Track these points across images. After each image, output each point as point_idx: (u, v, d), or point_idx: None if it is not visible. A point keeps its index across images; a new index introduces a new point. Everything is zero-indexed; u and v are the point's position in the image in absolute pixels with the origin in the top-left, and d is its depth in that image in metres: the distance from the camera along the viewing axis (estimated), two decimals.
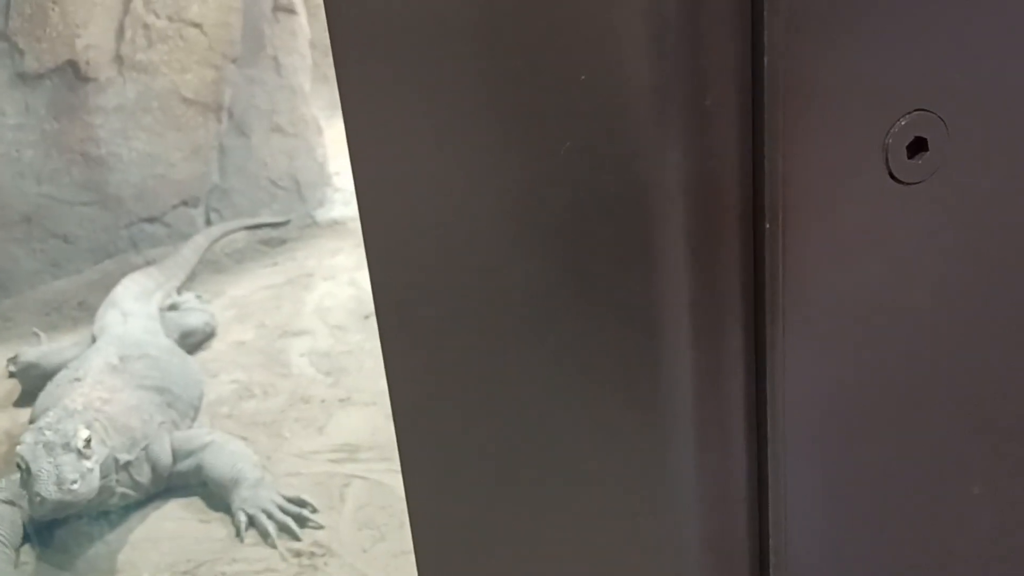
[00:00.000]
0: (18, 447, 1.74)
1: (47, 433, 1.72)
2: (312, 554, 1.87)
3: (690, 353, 0.46)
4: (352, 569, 1.82)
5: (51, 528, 1.90)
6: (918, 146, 0.44)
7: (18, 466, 1.73)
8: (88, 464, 1.71)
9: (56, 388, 2.15)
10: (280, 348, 2.70)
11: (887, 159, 0.44)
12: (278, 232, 3.49)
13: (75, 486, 1.64)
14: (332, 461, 2.15)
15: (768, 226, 0.44)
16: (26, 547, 1.89)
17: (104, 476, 1.80)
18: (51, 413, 1.85)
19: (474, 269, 0.59)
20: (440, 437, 0.72)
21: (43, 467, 1.65)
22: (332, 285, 3.07)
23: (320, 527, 1.93)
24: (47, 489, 1.62)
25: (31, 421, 2.14)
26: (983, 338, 0.48)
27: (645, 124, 0.44)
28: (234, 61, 3.41)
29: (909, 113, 0.44)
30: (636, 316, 0.47)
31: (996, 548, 0.53)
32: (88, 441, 1.74)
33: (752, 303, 0.46)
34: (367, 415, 2.31)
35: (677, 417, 0.47)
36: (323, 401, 2.40)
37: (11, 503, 1.85)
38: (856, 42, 0.42)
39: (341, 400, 2.39)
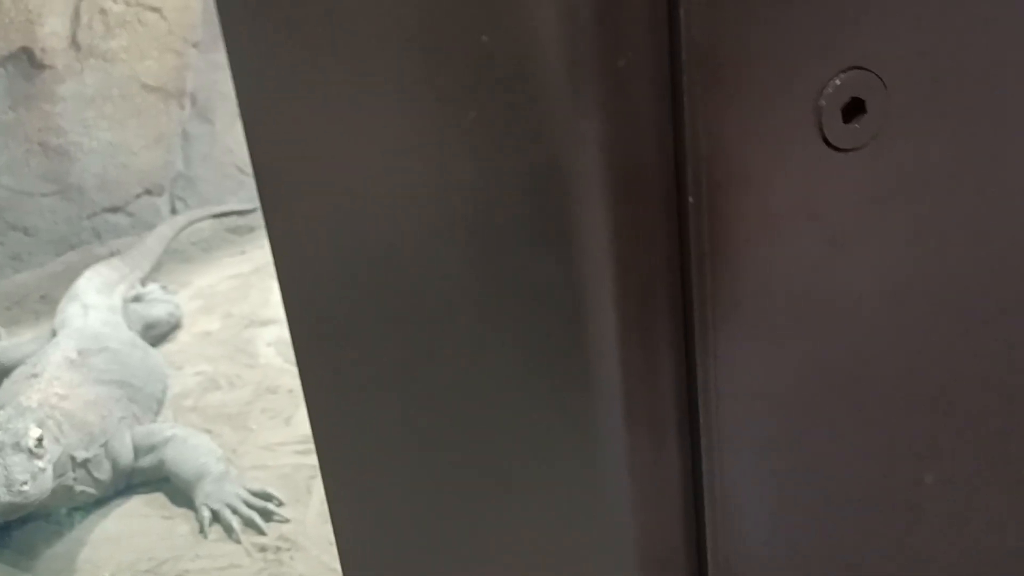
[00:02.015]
0: None
1: None
2: (278, 548, 1.83)
3: (615, 337, 0.42)
4: (318, 563, 1.78)
5: (9, 528, 1.85)
6: (855, 108, 0.40)
7: None
8: (40, 464, 1.65)
9: (12, 385, 2.09)
10: (247, 338, 2.65)
11: (821, 123, 0.40)
12: (245, 220, 3.42)
13: (25, 487, 1.59)
14: (299, 453, 2.11)
15: (691, 200, 0.40)
16: None
17: (60, 475, 1.75)
18: (2, 412, 1.79)
19: (383, 261, 0.55)
20: (359, 445, 0.68)
21: None
22: None
23: (286, 521, 1.88)
24: None
25: None
26: (929, 317, 0.44)
27: (554, 90, 0.39)
28: (195, 46, 3.34)
29: (844, 71, 0.39)
30: (557, 304, 0.43)
31: (949, 538, 0.50)
32: (40, 440, 1.68)
33: (680, 284, 0.42)
34: None
35: (606, 410, 0.43)
36: (290, 391, 2.35)
37: None
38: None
39: (302, 389, 2.34)
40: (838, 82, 0.39)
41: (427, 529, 0.63)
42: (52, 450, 1.72)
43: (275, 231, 0.65)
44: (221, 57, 3.48)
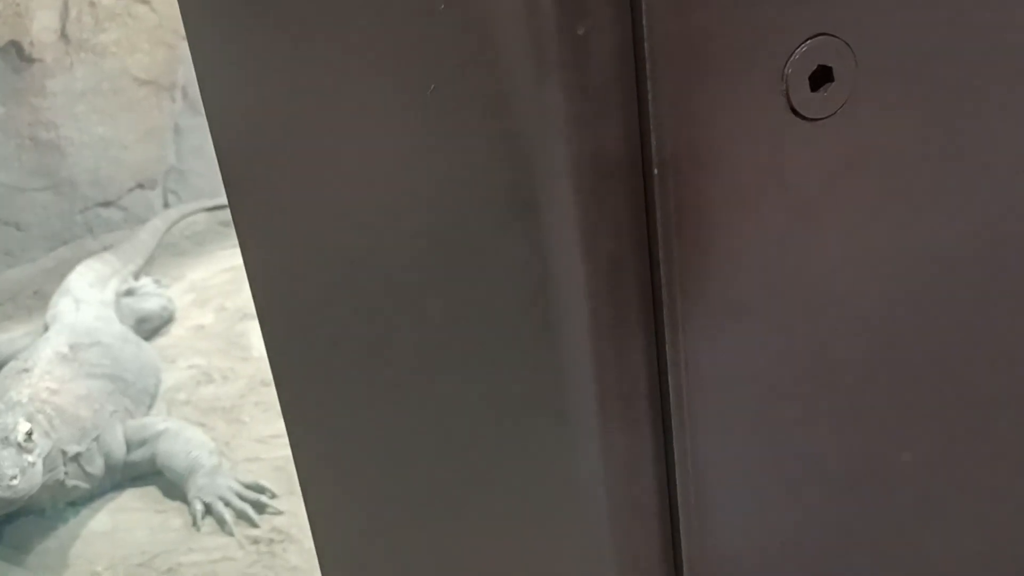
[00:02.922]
0: None
1: None
2: (271, 540, 1.82)
3: (584, 316, 0.41)
4: (312, 555, 1.77)
5: (1, 523, 1.84)
6: (822, 76, 0.39)
7: None
8: (29, 458, 1.64)
9: (3, 380, 2.08)
10: (240, 331, 2.64)
11: (787, 92, 0.39)
12: None
13: (14, 482, 1.58)
14: None
15: (656, 172, 0.39)
16: None
17: (51, 469, 1.75)
18: None
19: (348, 250, 0.54)
20: (332, 444, 0.67)
21: None
22: None
23: (279, 513, 1.88)
24: None
25: None
26: (901, 290, 0.43)
27: (514, 60, 0.38)
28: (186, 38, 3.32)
29: (811, 38, 0.38)
30: (524, 285, 0.42)
31: (928, 519, 0.49)
32: (30, 434, 1.68)
33: (648, 260, 0.41)
34: None
35: (576, 393, 0.43)
36: None
37: None
38: None
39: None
40: (805, 49, 0.38)
41: (401, 530, 0.62)
42: (42, 444, 1.72)
43: (241, 220, 0.64)
44: None
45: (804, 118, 0.39)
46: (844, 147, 0.40)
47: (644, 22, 0.37)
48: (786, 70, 0.38)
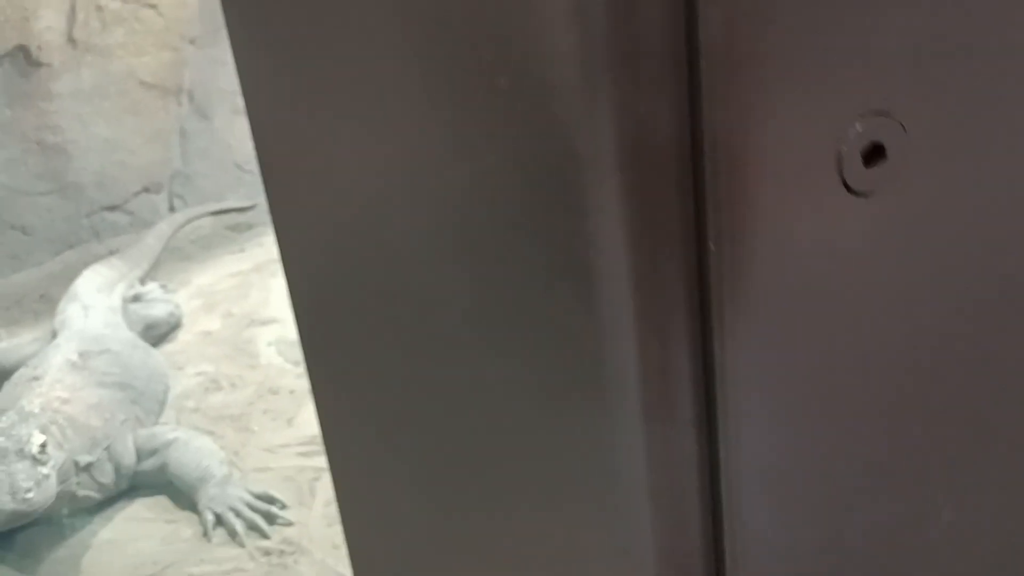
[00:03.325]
0: None
1: (0, 439, 1.66)
2: (282, 552, 1.83)
3: (630, 324, 0.40)
4: (323, 566, 1.78)
5: (12, 532, 1.85)
6: (875, 153, 0.39)
7: None
8: (44, 471, 1.65)
9: (14, 388, 2.08)
10: (247, 338, 2.64)
11: (841, 167, 0.39)
12: (244, 217, 3.41)
13: (30, 495, 1.59)
14: (301, 455, 2.11)
15: (712, 247, 0.39)
16: None
17: (63, 481, 1.75)
18: (5, 417, 1.79)
19: (390, 256, 0.54)
20: (369, 448, 0.67)
21: None
22: None
23: (290, 524, 1.88)
24: (0, 499, 1.56)
25: None
26: (939, 345, 0.44)
27: (567, 80, 0.38)
28: (193, 42, 3.32)
29: (865, 116, 0.39)
30: (567, 278, 0.42)
31: (967, 524, 0.49)
32: (44, 446, 1.68)
33: (695, 259, 0.40)
34: None
35: (620, 394, 0.42)
36: (292, 392, 2.35)
37: None
38: (804, 33, 0.38)
39: (310, 391, 2.34)
40: (859, 128, 0.39)
41: (438, 530, 0.63)
42: (56, 456, 1.72)
43: (283, 233, 0.64)
44: (219, 53, 3.47)
45: (855, 193, 0.40)
46: (892, 218, 0.41)
47: (703, 105, 0.37)
48: (841, 147, 0.39)
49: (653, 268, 0.40)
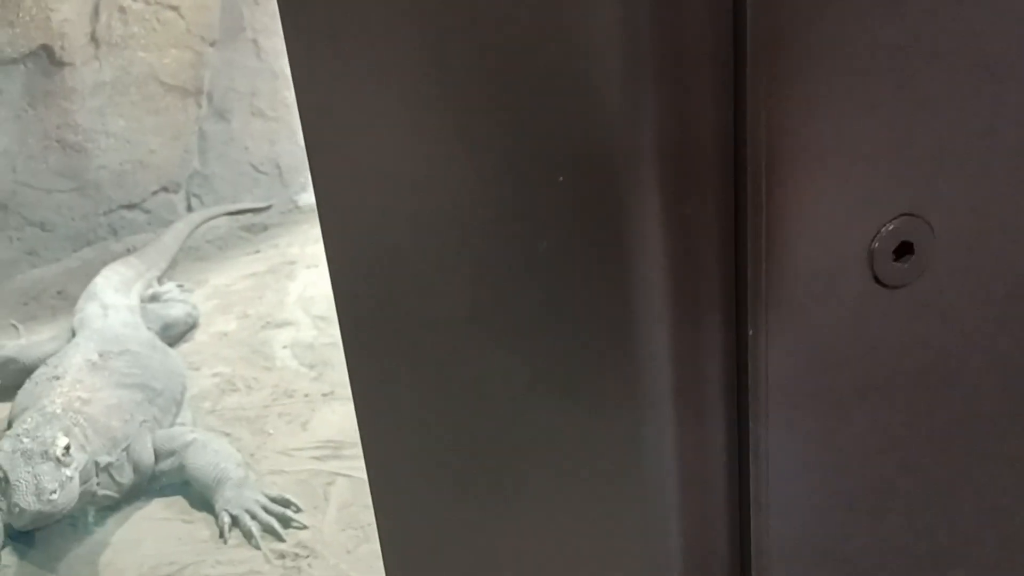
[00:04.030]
0: None
1: (25, 440, 1.70)
2: (296, 555, 1.86)
3: (667, 308, 0.42)
4: (336, 571, 1.82)
5: (32, 530, 1.89)
6: (904, 250, 0.43)
7: None
8: (67, 472, 1.69)
9: (35, 386, 2.12)
10: (263, 340, 2.68)
11: (872, 263, 0.43)
12: (260, 218, 3.45)
13: (54, 496, 1.62)
14: (316, 459, 2.14)
15: (751, 332, 0.43)
16: (7, 549, 1.88)
17: (84, 481, 1.79)
18: (29, 417, 1.82)
19: (433, 252, 0.57)
20: (404, 435, 0.70)
21: (21, 476, 1.63)
22: (315, 274, 3.04)
23: (304, 527, 1.92)
24: (26, 500, 1.60)
25: (10, 421, 2.12)
26: (962, 433, 0.47)
27: (609, 79, 0.41)
28: (213, 44, 3.36)
29: (896, 218, 0.42)
30: (603, 273, 0.44)
31: (1000, 532, 0.52)
32: (67, 448, 1.72)
33: (732, 257, 0.43)
34: (351, 411, 2.29)
35: (654, 401, 0.44)
36: (307, 396, 2.39)
37: None
38: (843, 147, 0.41)
39: (324, 395, 2.37)
40: (891, 227, 0.42)
41: (470, 528, 0.65)
42: (78, 458, 1.76)
43: (330, 235, 0.67)
44: (238, 56, 3.51)
45: (886, 286, 0.43)
46: (920, 309, 0.44)
47: (748, 208, 0.41)
48: (873, 244, 0.42)
49: (690, 273, 0.42)
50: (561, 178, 0.44)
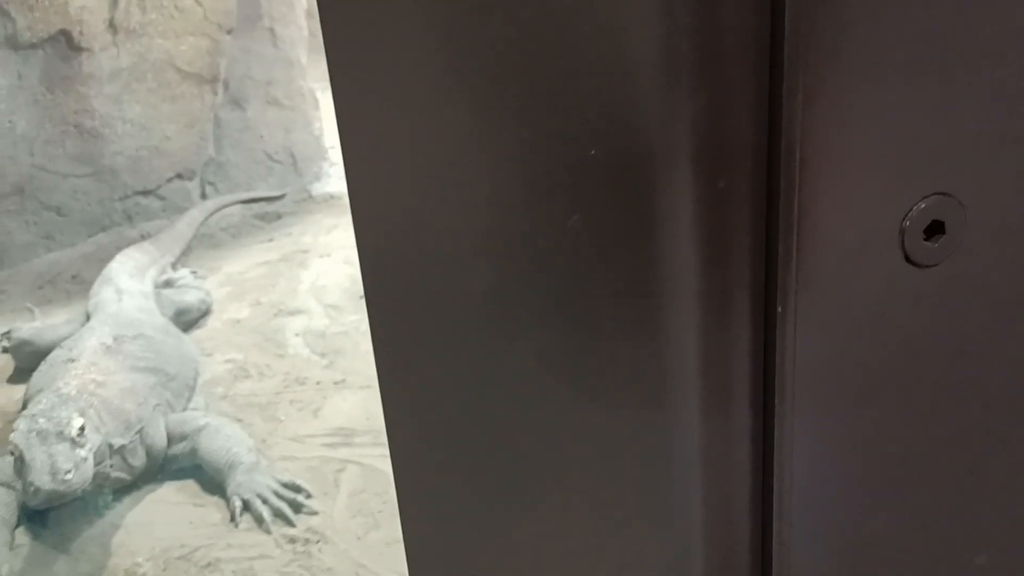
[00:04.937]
0: (11, 434, 1.73)
1: (41, 421, 1.71)
2: (306, 540, 1.87)
3: (694, 305, 0.43)
4: (346, 557, 1.83)
5: (46, 510, 1.90)
6: (935, 229, 0.43)
7: (11, 453, 1.73)
8: (82, 453, 1.70)
9: (50, 368, 2.14)
10: (276, 327, 2.69)
11: (903, 242, 0.43)
12: (274, 207, 3.46)
13: (69, 476, 1.64)
14: (327, 446, 2.15)
15: (779, 309, 0.43)
16: (21, 528, 1.90)
17: (98, 463, 1.80)
18: (44, 398, 1.84)
19: (463, 232, 0.57)
20: (429, 421, 0.70)
21: (37, 456, 1.65)
22: (327, 263, 3.05)
23: (314, 513, 1.93)
24: (41, 479, 1.62)
25: (25, 402, 2.13)
26: (991, 418, 0.47)
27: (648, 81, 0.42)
28: (229, 32, 3.36)
29: (927, 196, 0.42)
30: (630, 268, 0.44)
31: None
32: (82, 429, 1.73)
33: (763, 255, 0.43)
34: (362, 398, 2.31)
35: (681, 377, 0.44)
36: (318, 383, 2.40)
37: (8, 485, 1.85)
38: (875, 126, 0.41)
39: (336, 383, 2.38)
40: (923, 206, 0.42)
41: (493, 527, 0.66)
42: (93, 439, 1.77)
43: (361, 229, 0.67)
44: (254, 44, 3.51)
45: (916, 264, 0.43)
46: (950, 289, 0.44)
47: (782, 183, 0.41)
48: (904, 223, 0.42)
49: (720, 275, 0.42)
50: (593, 151, 0.45)
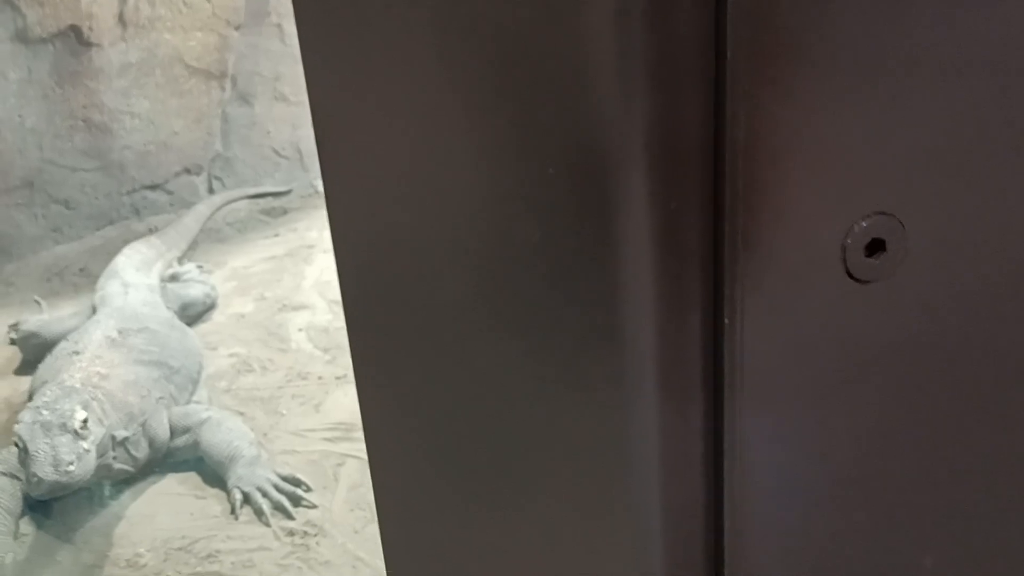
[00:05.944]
0: (16, 426, 1.76)
1: (44, 413, 1.74)
2: (305, 533, 1.90)
3: (651, 297, 0.44)
4: (343, 550, 1.85)
5: (50, 500, 1.94)
6: (876, 246, 0.45)
7: (15, 444, 1.76)
8: (85, 445, 1.73)
9: (55, 360, 2.17)
10: (279, 322, 2.72)
11: (845, 258, 0.44)
12: (280, 202, 3.49)
13: (71, 467, 1.67)
14: (327, 440, 2.18)
15: (727, 322, 0.45)
16: (25, 518, 1.93)
17: (101, 454, 1.83)
18: (49, 390, 1.87)
19: (437, 239, 0.59)
20: (405, 419, 0.72)
21: (40, 448, 1.67)
22: (332, 259, 3.07)
23: (313, 507, 1.96)
24: (44, 470, 1.64)
25: (30, 393, 2.17)
26: (937, 423, 0.49)
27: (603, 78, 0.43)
28: (237, 28, 3.39)
29: (869, 216, 0.44)
30: (588, 257, 0.46)
31: (969, 520, 0.53)
32: (85, 422, 1.76)
33: (712, 243, 0.44)
34: None
35: (637, 384, 0.46)
36: (320, 378, 2.42)
37: (12, 476, 1.88)
38: (816, 148, 0.43)
39: (338, 378, 2.41)
40: (864, 224, 0.44)
41: (467, 520, 0.67)
42: (96, 432, 1.80)
43: (337, 221, 0.70)
44: (262, 40, 3.53)
45: (858, 280, 0.45)
46: (892, 305, 0.46)
47: (727, 202, 0.43)
48: (845, 241, 0.44)
49: (674, 277, 0.44)
50: (551, 170, 0.47)
